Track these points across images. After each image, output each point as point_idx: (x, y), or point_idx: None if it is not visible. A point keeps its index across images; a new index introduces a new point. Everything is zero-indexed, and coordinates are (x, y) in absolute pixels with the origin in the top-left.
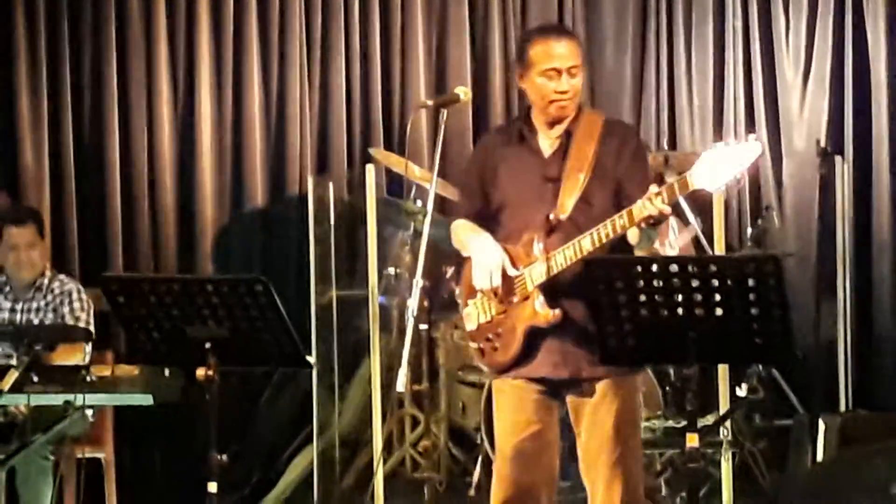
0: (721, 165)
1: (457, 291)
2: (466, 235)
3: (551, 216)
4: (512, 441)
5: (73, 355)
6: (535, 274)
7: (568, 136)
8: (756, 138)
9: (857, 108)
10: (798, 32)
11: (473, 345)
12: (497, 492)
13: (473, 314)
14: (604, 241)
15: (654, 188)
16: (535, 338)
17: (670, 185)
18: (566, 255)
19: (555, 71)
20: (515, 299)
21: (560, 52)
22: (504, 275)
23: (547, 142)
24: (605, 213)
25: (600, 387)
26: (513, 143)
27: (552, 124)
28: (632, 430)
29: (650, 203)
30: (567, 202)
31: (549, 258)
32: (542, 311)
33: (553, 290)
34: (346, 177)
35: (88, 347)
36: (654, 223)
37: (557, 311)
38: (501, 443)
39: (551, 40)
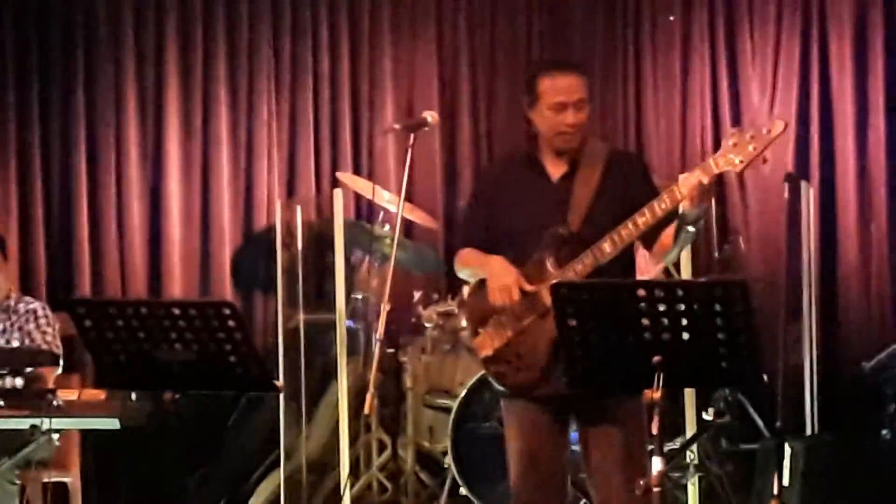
0: (744, 146)
1: (462, 322)
2: (477, 260)
3: (561, 230)
4: (525, 464)
5: (41, 378)
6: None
7: (575, 162)
8: (779, 117)
9: (823, 134)
10: (764, 57)
11: (493, 369)
12: None
13: (487, 341)
14: (625, 240)
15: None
16: (552, 358)
17: (695, 171)
18: (584, 263)
19: (562, 104)
20: (531, 319)
21: (567, 86)
22: (524, 291)
23: (554, 168)
24: (612, 228)
25: (612, 405)
26: (520, 169)
27: (559, 154)
28: (641, 450)
29: (690, 176)
30: (576, 218)
31: (567, 268)
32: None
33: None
34: (314, 201)
35: (57, 370)
36: (698, 196)
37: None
38: (515, 462)
39: (559, 74)
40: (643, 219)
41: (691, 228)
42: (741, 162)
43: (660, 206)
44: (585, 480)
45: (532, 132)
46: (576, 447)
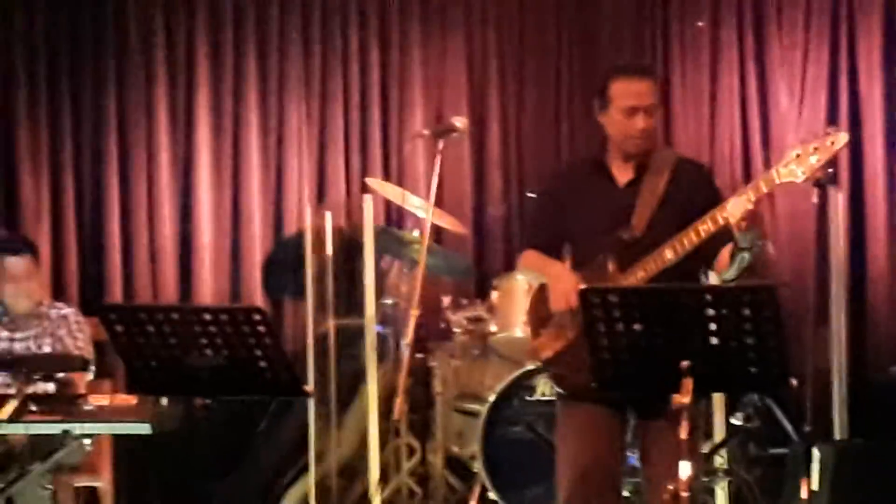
0: (806, 157)
1: (492, 327)
2: (540, 262)
3: (625, 235)
4: (581, 464)
5: (73, 384)
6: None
7: (642, 168)
8: (838, 129)
9: (852, 138)
10: (793, 62)
11: (553, 371)
12: None
13: (548, 343)
14: (686, 248)
15: (742, 190)
16: None
17: (756, 182)
18: (647, 269)
19: (633, 109)
20: None
21: (639, 91)
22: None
23: (622, 173)
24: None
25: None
26: (588, 173)
27: (627, 158)
28: (696, 454)
29: (740, 200)
30: (640, 222)
31: (629, 273)
32: None
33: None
34: (344, 207)
35: (89, 375)
36: (747, 221)
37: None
38: (569, 466)
39: (632, 79)
40: (705, 227)
41: (746, 254)
42: (804, 174)
43: (701, 230)
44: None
45: (602, 137)
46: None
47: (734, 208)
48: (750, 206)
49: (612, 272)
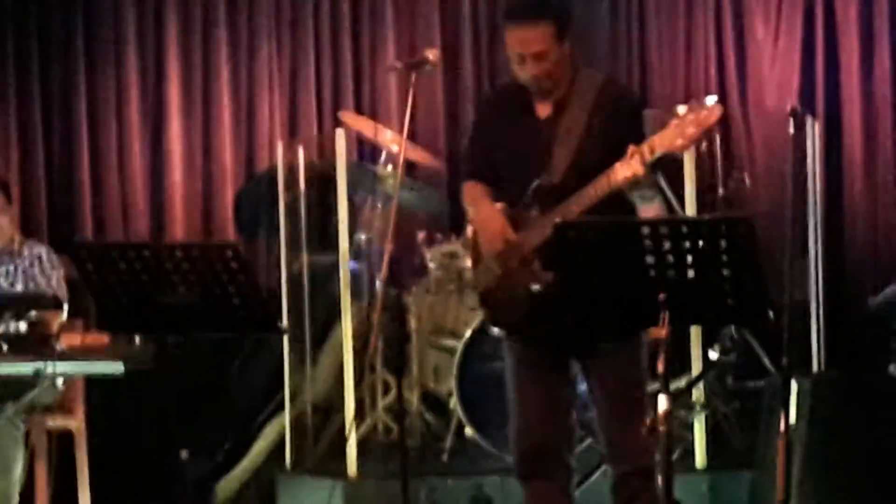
0: (685, 129)
1: (467, 262)
2: (475, 199)
3: (544, 181)
4: (525, 398)
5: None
6: (531, 238)
7: (562, 102)
8: (717, 100)
9: (828, 68)
10: None
11: (484, 309)
12: (515, 447)
13: (480, 279)
14: (588, 205)
15: (630, 149)
16: (538, 300)
17: (640, 148)
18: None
19: (520, 56)
20: (516, 263)
21: (522, 39)
22: (507, 239)
23: (542, 106)
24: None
25: (608, 347)
26: (511, 103)
27: (541, 96)
28: (640, 388)
29: (625, 165)
30: (560, 167)
31: (542, 222)
32: (538, 275)
33: (549, 253)
34: (316, 141)
35: (63, 313)
36: (635, 184)
37: (550, 275)
38: (515, 399)
39: (515, 26)
40: (600, 187)
41: (638, 197)
42: (681, 144)
43: (598, 189)
44: (593, 420)
45: None
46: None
47: (620, 172)
48: (639, 172)
49: (533, 218)
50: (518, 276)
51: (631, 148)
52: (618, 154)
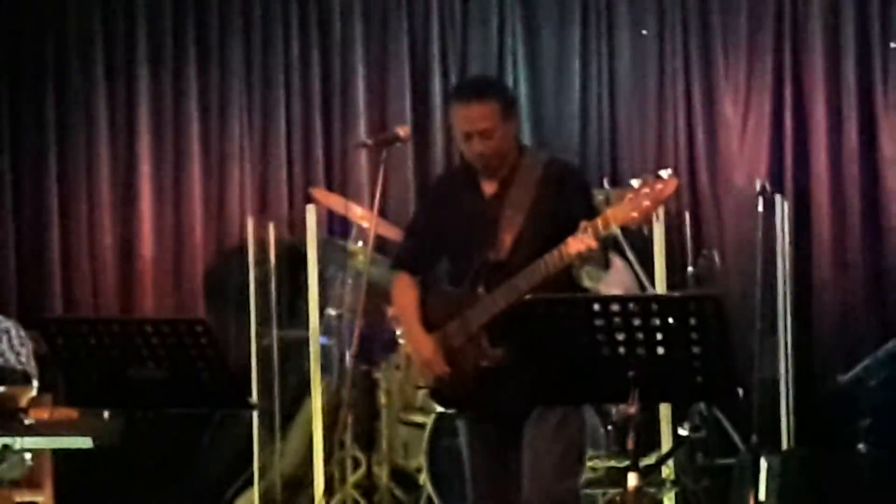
0: (640, 202)
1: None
2: (405, 312)
3: (490, 257)
4: (479, 472)
5: (15, 398)
6: (478, 315)
7: (507, 181)
8: (671, 174)
9: (797, 146)
10: (737, 70)
11: (426, 386)
12: None
13: (426, 373)
14: (538, 281)
15: (583, 224)
16: (485, 377)
17: (594, 222)
18: (506, 296)
19: (466, 134)
20: (462, 342)
21: (470, 117)
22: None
23: (488, 184)
24: (544, 254)
25: (548, 419)
26: (459, 183)
27: (487, 175)
28: (577, 465)
29: (577, 240)
30: (505, 243)
31: (488, 300)
32: (486, 352)
33: (498, 330)
34: (287, 217)
35: (33, 389)
36: (586, 259)
37: (500, 351)
38: (470, 474)
39: (462, 104)
40: (553, 260)
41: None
42: (635, 216)
43: (550, 264)
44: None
45: None
46: None
47: (572, 246)
48: (592, 245)
49: (480, 296)
50: (465, 353)
51: (583, 222)
52: (563, 231)
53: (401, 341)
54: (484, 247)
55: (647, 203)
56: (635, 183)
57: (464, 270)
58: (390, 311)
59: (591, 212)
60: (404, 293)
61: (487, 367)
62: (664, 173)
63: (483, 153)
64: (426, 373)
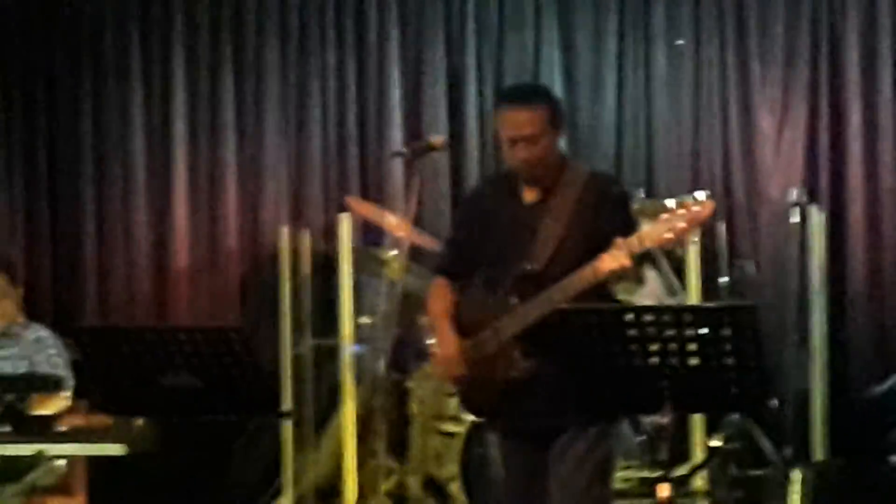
0: (675, 223)
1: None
2: (434, 315)
3: (527, 267)
4: (509, 487)
5: (51, 404)
6: (511, 325)
7: (548, 190)
8: (709, 196)
9: (832, 157)
10: (773, 81)
11: (457, 392)
12: None
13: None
14: (571, 295)
15: (617, 241)
16: (515, 389)
17: (629, 241)
18: (539, 308)
19: (511, 140)
20: (493, 350)
21: (516, 122)
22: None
23: (529, 191)
24: (580, 267)
25: (579, 434)
26: (499, 188)
27: (529, 183)
28: (605, 481)
29: (610, 257)
30: (543, 254)
31: (521, 310)
32: (517, 363)
33: (530, 341)
34: (322, 226)
35: (69, 393)
36: (619, 277)
37: (531, 363)
38: (502, 487)
39: (508, 109)
40: (587, 276)
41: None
42: (671, 236)
43: (584, 279)
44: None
45: None
46: None
47: (606, 264)
48: (625, 264)
49: (513, 306)
50: (496, 363)
51: (618, 240)
52: (601, 246)
53: (433, 350)
54: (520, 256)
55: (682, 225)
56: (671, 203)
57: (498, 278)
58: (424, 320)
59: (630, 229)
60: (440, 297)
61: (517, 378)
62: (701, 195)
63: (527, 160)
64: (441, 372)
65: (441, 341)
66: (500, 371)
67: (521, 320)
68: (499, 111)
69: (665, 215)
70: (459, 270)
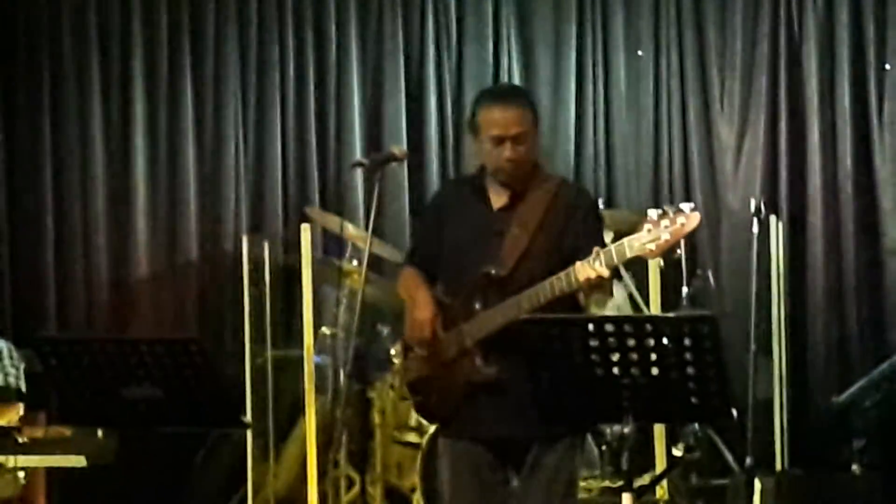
0: (659, 234)
1: (395, 349)
2: (410, 287)
3: (492, 272)
4: (459, 498)
5: (4, 416)
6: (474, 330)
7: (517, 195)
8: (694, 208)
9: (792, 168)
10: (732, 93)
11: (412, 398)
12: None
13: (412, 367)
14: (542, 303)
15: (595, 250)
16: (475, 395)
17: (608, 251)
18: (505, 314)
19: (499, 138)
20: (454, 354)
21: (505, 120)
22: (437, 331)
23: (497, 196)
24: (547, 274)
25: (540, 446)
26: (466, 193)
27: (503, 185)
28: (574, 494)
29: (588, 266)
30: (509, 259)
31: (486, 315)
32: (479, 369)
33: (492, 347)
34: (282, 236)
35: (21, 407)
36: (594, 286)
37: (493, 370)
38: (449, 498)
39: (498, 107)
40: (559, 283)
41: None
42: (654, 249)
43: (557, 287)
44: None
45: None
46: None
47: (582, 272)
48: (603, 274)
49: (477, 310)
50: (456, 368)
51: (596, 249)
52: (568, 255)
53: (395, 361)
54: (485, 260)
55: (666, 237)
56: (653, 213)
57: (461, 282)
58: (384, 330)
59: (599, 240)
60: (413, 276)
61: (478, 383)
62: (686, 207)
63: (513, 159)
64: (412, 334)
65: (418, 304)
66: (460, 375)
67: (486, 326)
68: (484, 110)
69: (648, 226)
70: (427, 268)
